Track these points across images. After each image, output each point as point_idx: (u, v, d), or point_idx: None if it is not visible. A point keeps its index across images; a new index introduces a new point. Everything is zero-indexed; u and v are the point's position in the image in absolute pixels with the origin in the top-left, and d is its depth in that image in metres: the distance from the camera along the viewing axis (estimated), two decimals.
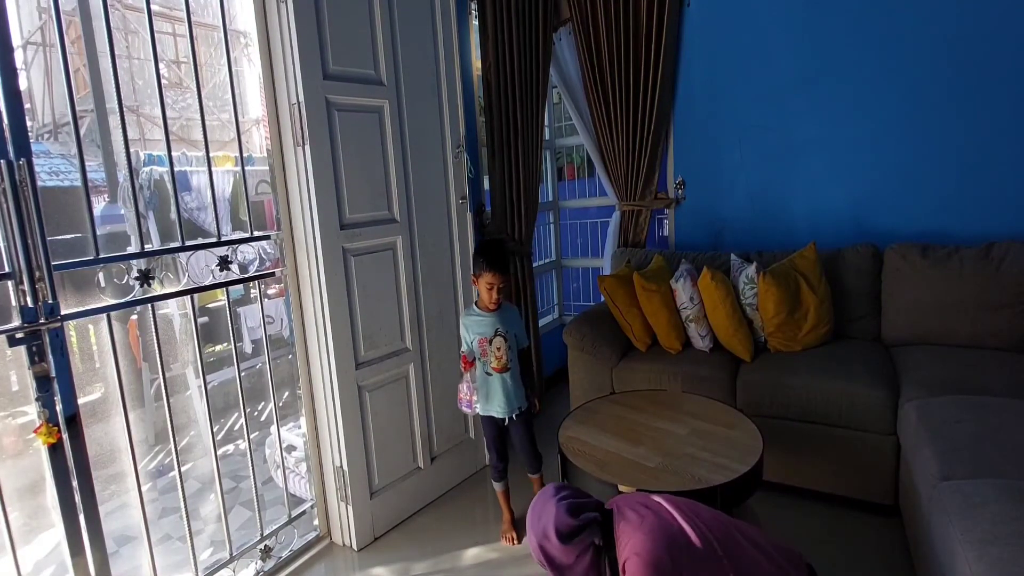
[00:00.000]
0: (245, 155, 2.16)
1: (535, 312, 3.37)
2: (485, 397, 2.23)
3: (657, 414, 2.04)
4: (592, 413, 2.11)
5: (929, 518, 1.58)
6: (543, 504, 1.29)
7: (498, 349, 2.17)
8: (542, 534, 1.25)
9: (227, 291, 2.09)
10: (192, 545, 1.99)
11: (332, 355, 2.18)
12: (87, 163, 1.69)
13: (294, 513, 2.35)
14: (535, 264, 3.66)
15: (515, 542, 2.28)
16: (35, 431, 1.52)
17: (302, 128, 2.05)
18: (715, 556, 1.14)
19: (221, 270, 2.04)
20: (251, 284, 2.23)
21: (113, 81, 1.73)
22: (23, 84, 7.17)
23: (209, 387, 2.25)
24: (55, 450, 1.55)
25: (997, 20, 2.51)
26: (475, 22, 3.07)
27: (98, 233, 1.67)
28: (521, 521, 2.35)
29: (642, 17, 3.08)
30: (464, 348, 2.26)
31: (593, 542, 1.24)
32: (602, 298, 2.89)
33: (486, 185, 3.19)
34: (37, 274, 1.50)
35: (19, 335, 1.49)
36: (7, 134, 1.44)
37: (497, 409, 2.22)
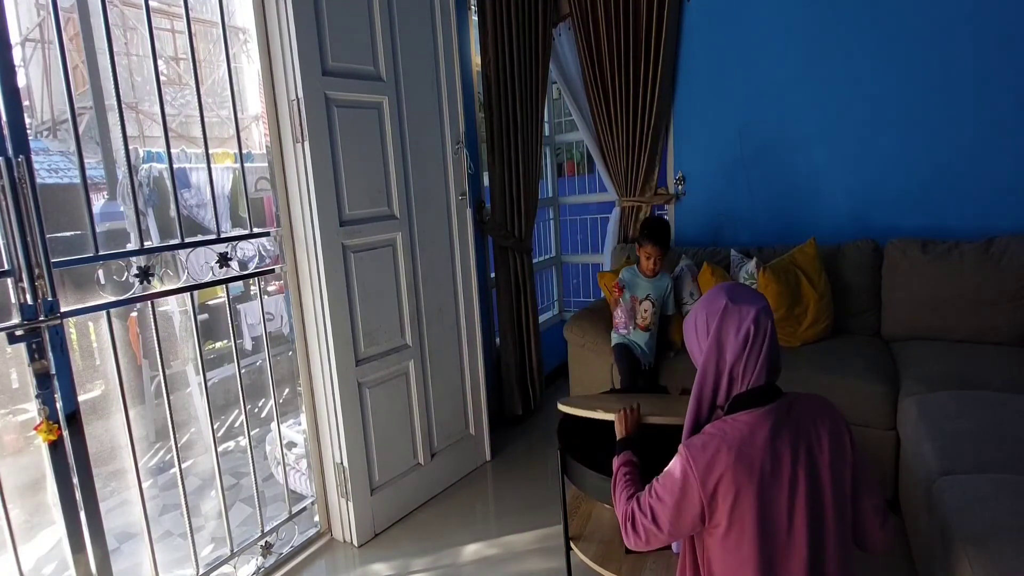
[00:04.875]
0: (244, 152, 2.15)
1: (535, 309, 3.37)
2: (631, 337, 2.54)
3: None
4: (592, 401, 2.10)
5: (929, 513, 1.58)
6: (748, 288, 1.19)
7: (645, 311, 2.51)
8: (736, 308, 1.13)
9: (227, 288, 2.09)
10: (193, 541, 1.99)
11: (332, 352, 2.18)
12: (86, 160, 1.68)
13: (295, 509, 2.35)
14: (535, 260, 3.65)
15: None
16: (35, 428, 1.52)
17: (301, 124, 2.05)
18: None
19: (221, 267, 2.04)
20: (251, 281, 2.24)
21: (112, 78, 1.73)
22: (21, 81, 7.16)
23: (209, 384, 2.25)
24: (55, 447, 1.55)
25: (996, 18, 2.50)
26: (474, 18, 3.06)
27: (97, 230, 1.66)
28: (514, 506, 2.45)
29: (642, 12, 3.07)
30: (621, 281, 2.54)
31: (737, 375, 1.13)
32: (602, 294, 2.89)
33: (486, 181, 3.19)
34: (36, 271, 1.50)
35: (19, 332, 1.49)
36: (5, 131, 1.44)
37: (637, 347, 2.52)
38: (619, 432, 1.51)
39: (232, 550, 2.11)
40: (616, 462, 1.40)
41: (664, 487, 1.15)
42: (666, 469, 1.17)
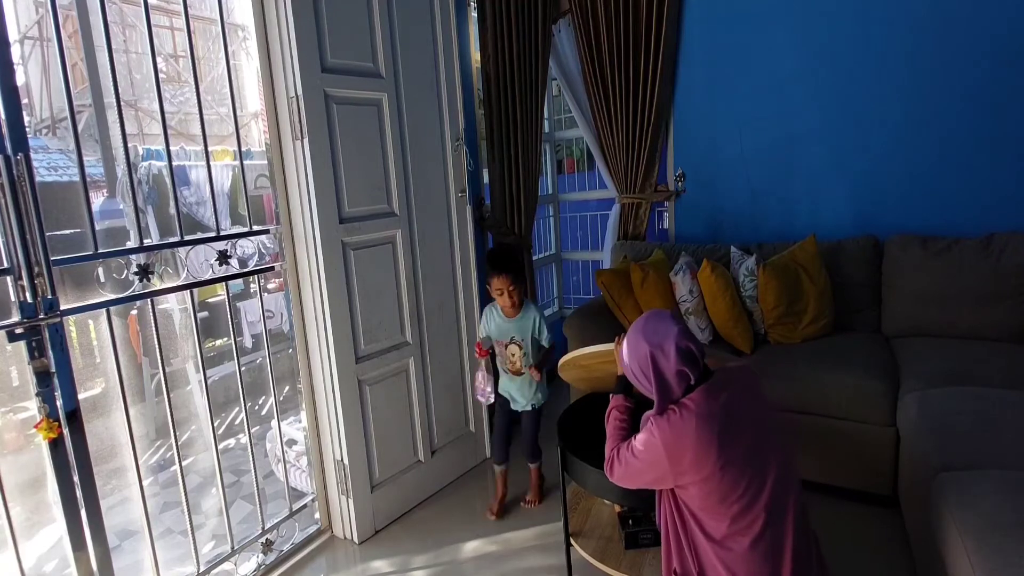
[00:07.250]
0: (244, 149, 2.15)
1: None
2: (502, 386, 2.39)
3: None
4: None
5: (928, 509, 1.59)
6: (658, 320, 1.38)
7: (512, 355, 2.29)
8: (658, 345, 1.34)
9: (226, 286, 2.09)
10: (194, 539, 2.00)
11: (332, 349, 2.18)
12: (85, 158, 1.68)
13: (295, 507, 2.35)
14: (535, 257, 3.65)
15: (496, 517, 2.39)
16: (35, 426, 1.52)
17: (300, 122, 2.04)
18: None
19: (220, 264, 2.03)
20: (250, 278, 2.23)
21: (111, 76, 1.73)
22: (20, 79, 7.15)
23: (209, 382, 2.25)
24: (56, 445, 1.55)
25: (996, 17, 2.50)
26: (474, 14, 3.06)
27: (97, 228, 1.66)
28: (511, 503, 2.49)
29: (642, 8, 3.06)
30: (481, 336, 2.36)
31: (689, 378, 1.33)
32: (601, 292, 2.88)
33: (485, 178, 3.18)
34: (36, 269, 1.49)
35: (19, 330, 1.49)
36: (4, 129, 1.44)
37: (511, 399, 2.38)
38: (620, 367, 1.61)
39: (233, 547, 2.12)
40: (612, 402, 1.56)
41: (639, 452, 1.36)
42: (641, 437, 1.36)
